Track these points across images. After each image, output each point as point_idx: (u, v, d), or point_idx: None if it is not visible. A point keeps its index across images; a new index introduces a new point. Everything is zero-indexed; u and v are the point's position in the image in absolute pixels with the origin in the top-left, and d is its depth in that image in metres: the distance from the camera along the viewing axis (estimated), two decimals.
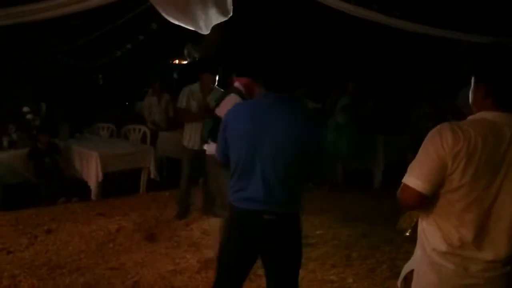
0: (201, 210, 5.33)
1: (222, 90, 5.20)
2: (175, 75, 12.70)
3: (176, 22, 4.17)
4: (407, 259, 2.11)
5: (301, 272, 3.98)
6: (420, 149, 1.82)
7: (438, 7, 6.90)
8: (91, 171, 6.21)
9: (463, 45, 6.09)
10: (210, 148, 3.84)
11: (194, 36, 5.76)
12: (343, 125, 6.90)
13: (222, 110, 3.50)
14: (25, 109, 6.65)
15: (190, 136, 5.36)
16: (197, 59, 8.79)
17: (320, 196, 6.58)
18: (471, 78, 1.88)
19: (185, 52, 9.02)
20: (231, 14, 4.30)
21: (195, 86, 5.43)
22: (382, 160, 7.29)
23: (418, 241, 1.94)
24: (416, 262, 1.96)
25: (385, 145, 7.36)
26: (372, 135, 7.41)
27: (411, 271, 2.00)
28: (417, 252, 1.96)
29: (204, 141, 4.15)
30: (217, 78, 5.30)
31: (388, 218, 5.29)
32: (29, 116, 6.66)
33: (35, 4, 4.92)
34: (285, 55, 2.52)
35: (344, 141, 6.90)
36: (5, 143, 6.25)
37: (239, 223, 2.50)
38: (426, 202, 1.83)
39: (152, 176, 6.68)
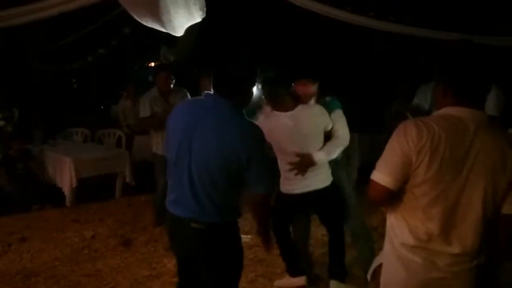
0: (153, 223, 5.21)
1: (184, 89, 5.18)
2: (150, 78, 12.60)
3: (149, 25, 4.14)
4: None
5: (280, 273, 4.04)
6: (387, 145, 1.85)
7: (414, 6, 6.99)
8: (65, 177, 6.12)
9: (444, 43, 6.19)
10: None
11: (168, 38, 5.74)
12: None
13: None
14: None
15: (158, 141, 5.03)
16: (172, 61, 8.76)
17: None
18: (431, 76, 1.90)
19: (161, 54, 8.98)
20: (204, 15, 4.28)
21: (154, 91, 5.11)
22: (358, 158, 7.35)
23: (387, 236, 1.97)
24: (385, 256, 1.99)
25: (361, 144, 7.43)
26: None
27: (380, 265, 2.02)
28: (386, 246, 1.98)
29: None
30: (172, 76, 5.09)
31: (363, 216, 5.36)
32: (1, 123, 6.55)
33: (7, 10, 4.85)
34: (233, 57, 2.46)
35: None
36: None
37: (170, 228, 2.46)
38: (393, 197, 1.86)
39: (127, 180, 6.62)
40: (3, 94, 7.97)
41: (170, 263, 4.28)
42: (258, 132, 2.26)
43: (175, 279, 3.78)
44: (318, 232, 5.16)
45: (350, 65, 8.97)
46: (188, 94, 5.14)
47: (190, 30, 4.46)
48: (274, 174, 2.47)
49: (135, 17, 4.09)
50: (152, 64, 12.54)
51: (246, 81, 2.33)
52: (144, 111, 5.08)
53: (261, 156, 2.26)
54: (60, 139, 7.47)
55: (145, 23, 4.13)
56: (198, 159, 2.21)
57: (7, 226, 5.32)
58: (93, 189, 6.42)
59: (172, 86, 5.11)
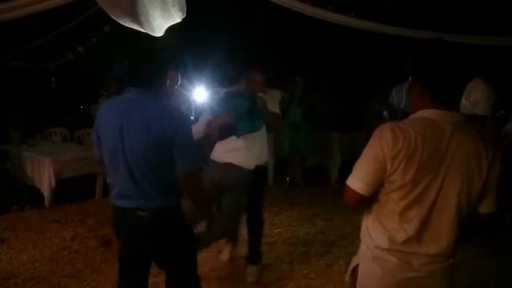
0: None
1: None
2: None
3: (127, 25, 4.10)
4: None
5: (259, 271, 4.06)
6: (363, 150, 1.87)
7: (395, 6, 7.07)
8: (44, 177, 6.03)
9: (415, 41, 6.25)
10: None
11: (150, 37, 5.71)
12: (299, 122, 6.98)
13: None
14: None
15: None
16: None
17: (278, 195, 6.65)
18: (408, 76, 1.92)
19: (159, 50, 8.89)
20: (184, 15, 4.27)
21: None
22: (339, 157, 7.43)
23: (363, 238, 1.99)
24: (361, 257, 2.01)
25: (341, 142, 7.50)
26: (328, 132, 7.54)
27: (357, 266, 2.04)
28: (362, 247, 2.01)
29: None
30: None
31: (345, 214, 5.42)
32: None
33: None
34: (143, 51, 2.56)
35: (300, 138, 6.99)
36: None
37: (115, 221, 2.52)
38: (366, 202, 1.90)
39: (107, 181, 6.52)
40: None
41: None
42: (178, 113, 2.42)
43: (157, 279, 3.80)
44: (302, 230, 5.22)
45: (332, 64, 9.04)
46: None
47: (171, 29, 4.45)
48: (198, 154, 2.51)
49: (113, 17, 4.06)
50: None
51: (155, 71, 2.44)
52: None
53: (185, 134, 2.37)
54: (39, 140, 7.36)
55: (123, 23, 4.10)
56: (132, 150, 2.32)
57: None
58: (73, 190, 6.34)
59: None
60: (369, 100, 7.43)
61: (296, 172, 7.30)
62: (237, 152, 3.68)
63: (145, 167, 2.34)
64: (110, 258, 4.40)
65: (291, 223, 5.46)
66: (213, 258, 4.36)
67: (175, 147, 2.32)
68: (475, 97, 4.02)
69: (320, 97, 7.72)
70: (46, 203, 6.04)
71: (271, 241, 4.86)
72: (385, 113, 4.60)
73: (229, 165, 3.66)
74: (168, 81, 2.50)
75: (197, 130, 3.64)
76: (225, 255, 4.35)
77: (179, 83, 4.43)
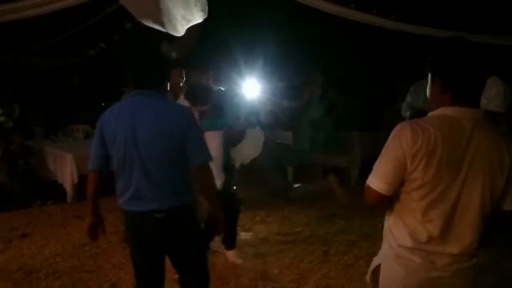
0: None
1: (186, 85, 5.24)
2: None
3: (150, 25, 4.14)
4: None
5: (279, 269, 4.05)
6: (383, 149, 1.85)
7: (414, 3, 6.98)
8: (66, 173, 6.12)
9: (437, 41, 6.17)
10: None
11: (170, 35, 5.74)
12: (319, 120, 6.94)
13: None
14: None
15: None
16: (174, 57, 8.73)
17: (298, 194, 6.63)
18: (427, 73, 1.89)
19: (162, 51, 8.94)
20: (206, 16, 4.28)
21: None
22: (359, 157, 7.36)
23: (385, 238, 1.97)
24: (383, 257, 1.99)
25: (361, 142, 7.43)
26: (348, 131, 7.48)
27: (379, 266, 2.02)
28: (384, 246, 1.99)
29: None
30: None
31: (365, 214, 5.37)
32: (1, 118, 6.55)
33: (7, 4, 4.84)
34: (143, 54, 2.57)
35: (320, 137, 6.95)
36: None
37: (131, 225, 2.54)
38: (387, 201, 1.89)
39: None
40: (4, 90, 7.97)
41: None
42: (187, 110, 2.50)
43: (176, 276, 3.81)
44: (322, 230, 5.19)
45: (352, 62, 8.96)
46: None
47: (192, 28, 4.46)
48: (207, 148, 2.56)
49: (136, 17, 4.09)
50: None
51: (159, 72, 2.50)
52: None
53: (195, 130, 2.43)
54: (61, 136, 7.47)
55: (145, 23, 4.13)
56: (148, 151, 2.36)
57: (8, 222, 5.33)
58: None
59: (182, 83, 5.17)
60: (390, 98, 7.37)
61: (316, 170, 7.25)
62: None
63: (161, 167, 2.38)
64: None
65: (310, 222, 5.44)
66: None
67: (189, 143, 2.38)
68: (490, 94, 3.96)
69: (340, 95, 7.66)
70: (68, 198, 6.12)
71: (290, 239, 4.84)
72: (407, 113, 4.54)
73: None
74: (172, 79, 2.55)
75: None
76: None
77: (183, 80, 4.53)
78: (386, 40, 7.61)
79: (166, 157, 2.37)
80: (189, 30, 4.50)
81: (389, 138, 1.82)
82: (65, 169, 6.14)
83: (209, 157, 2.47)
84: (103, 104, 10.74)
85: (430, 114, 1.85)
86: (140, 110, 2.39)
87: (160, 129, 2.35)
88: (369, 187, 1.86)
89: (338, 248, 4.62)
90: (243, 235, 4.77)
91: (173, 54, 8.62)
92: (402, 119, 5.05)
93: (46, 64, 8.88)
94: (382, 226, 2.01)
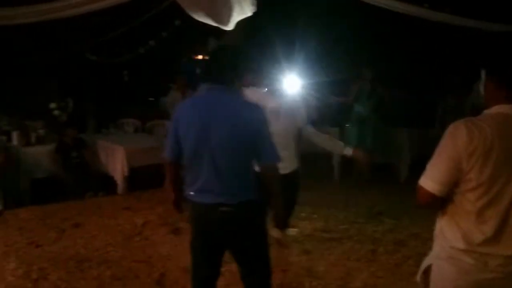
0: None
1: None
2: (198, 71, 12.75)
3: (200, 19, 4.18)
4: None
5: (325, 266, 4.02)
6: (436, 148, 1.81)
7: None
8: (117, 165, 6.29)
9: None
10: None
11: (217, 31, 5.80)
12: (367, 117, 6.83)
13: None
14: (52, 105, 6.78)
15: None
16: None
17: (344, 191, 6.54)
18: (482, 71, 1.84)
19: (209, 47, 9.03)
20: (256, 9, 4.29)
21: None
22: (408, 154, 7.19)
23: (436, 239, 1.94)
24: (435, 257, 1.96)
25: (411, 139, 7.25)
26: (397, 128, 7.32)
27: (430, 266, 1.99)
28: (436, 248, 1.96)
29: None
30: None
31: (414, 213, 5.25)
32: (56, 112, 6.78)
33: (62, 1, 5.01)
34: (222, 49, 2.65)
35: (368, 134, 6.84)
36: (33, 138, 6.40)
37: (196, 217, 2.56)
38: (439, 202, 1.85)
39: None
40: (59, 85, 8.25)
41: None
42: (261, 109, 2.50)
43: (222, 269, 3.85)
44: (369, 228, 5.11)
45: (403, 58, 8.77)
46: None
47: (239, 23, 4.49)
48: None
49: (187, 11, 4.15)
50: (200, 57, 12.69)
51: (238, 68, 2.53)
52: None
53: (265, 128, 2.46)
54: (113, 129, 7.67)
55: (196, 18, 4.18)
56: (220, 146, 2.38)
57: (62, 212, 5.52)
58: (144, 178, 6.57)
59: None
60: (442, 95, 7.16)
61: (363, 168, 7.14)
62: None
63: (231, 162, 2.41)
64: (179, 245, 4.51)
65: (357, 220, 5.36)
66: None
67: (260, 140, 2.42)
68: None
69: (390, 91, 7.51)
70: (119, 190, 6.30)
71: (336, 237, 4.79)
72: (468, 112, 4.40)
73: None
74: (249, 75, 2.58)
75: None
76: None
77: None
78: (439, 35, 7.41)
79: (237, 154, 2.41)
80: (237, 26, 4.53)
81: (443, 138, 1.79)
82: (116, 162, 6.31)
83: (278, 158, 2.50)
84: (151, 99, 11.01)
85: (485, 112, 1.81)
86: (216, 105, 2.44)
87: (235, 126, 2.39)
88: (421, 188, 1.83)
89: (386, 247, 4.54)
90: (289, 231, 4.76)
91: None
92: (453, 116, 4.91)
93: (96, 60, 9.13)
94: (434, 227, 1.97)
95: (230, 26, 4.32)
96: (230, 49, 2.63)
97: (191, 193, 2.51)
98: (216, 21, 4.10)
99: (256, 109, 2.48)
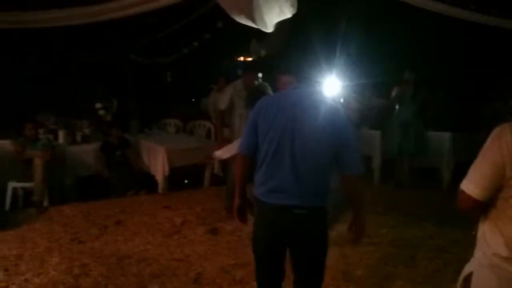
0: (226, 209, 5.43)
1: (266, 84, 5.35)
2: (239, 72, 12.84)
3: (241, 21, 4.21)
4: None
5: (362, 271, 3.97)
6: (480, 152, 1.77)
7: None
8: (158, 165, 6.41)
9: None
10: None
11: (259, 32, 5.84)
12: (410, 121, 6.70)
13: None
14: (98, 105, 6.99)
15: (238, 131, 5.38)
16: (262, 55, 8.83)
17: (384, 195, 6.45)
18: None
19: (251, 48, 9.08)
20: (295, 11, 4.29)
21: (239, 85, 5.50)
22: (451, 159, 7.00)
23: (478, 244, 1.89)
24: (476, 264, 1.91)
25: (454, 143, 7.06)
26: (440, 132, 7.15)
27: (471, 273, 1.93)
28: (477, 254, 1.90)
29: None
30: (259, 74, 5.42)
31: (456, 219, 5.08)
32: (101, 112, 6.99)
33: (106, 4, 5.16)
34: (317, 51, 2.59)
35: (411, 138, 6.70)
36: (78, 137, 6.62)
37: (267, 217, 2.49)
38: (481, 207, 1.80)
39: (215, 171, 6.81)
40: (104, 86, 8.49)
41: None
42: (347, 116, 2.46)
43: None
44: (409, 233, 5.02)
45: (448, 61, 8.56)
46: (270, 88, 5.27)
47: (281, 25, 4.50)
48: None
49: (228, 12, 4.19)
50: (242, 58, 12.77)
51: (321, 68, 2.51)
52: (222, 103, 5.58)
53: (353, 138, 2.43)
54: (155, 129, 7.83)
55: (237, 19, 4.22)
56: (303, 146, 2.34)
57: (104, 209, 5.67)
58: (184, 178, 6.67)
59: (256, 82, 5.55)
60: (488, 98, 6.95)
61: (404, 172, 7.01)
62: None
63: (311, 164, 2.36)
64: (216, 245, 4.57)
65: (396, 225, 5.26)
66: None
67: (347, 149, 2.38)
68: None
69: (433, 94, 7.34)
70: (160, 189, 6.41)
71: (375, 241, 4.72)
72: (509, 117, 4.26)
73: None
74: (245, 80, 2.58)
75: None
76: None
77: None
78: (486, 37, 7.19)
79: (319, 157, 2.37)
80: (278, 27, 4.54)
81: (488, 141, 1.75)
82: (157, 161, 6.43)
83: (363, 171, 2.46)
84: (193, 100, 11.17)
85: None
86: (303, 104, 2.40)
87: (322, 128, 2.34)
88: (463, 192, 1.79)
89: (426, 253, 4.44)
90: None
91: (262, 52, 8.73)
92: (499, 121, 4.75)
93: (142, 61, 9.34)
94: (475, 233, 1.91)
95: (269, 28, 4.33)
96: (310, 48, 2.63)
97: (262, 192, 2.46)
98: (256, 23, 4.12)
99: (344, 114, 2.44)
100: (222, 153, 5.16)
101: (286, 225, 2.42)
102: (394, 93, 6.85)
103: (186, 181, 6.89)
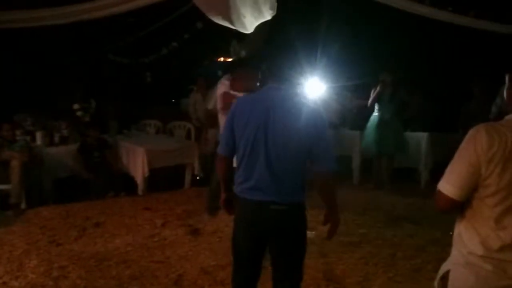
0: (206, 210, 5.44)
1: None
2: (219, 73, 12.82)
3: (219, 22, 4.22)
4: None
5: (342, 270, 4.00)
6: (456, 152, 1.80)
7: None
8: (138, 166, 6.36)
9: None
10: None
11: (239, 33, 5.84)
12: (388, 122, 6.77)
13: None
14: (76, 106, 6.91)
15: None
16: (242, 56, 8.83)
17: (364, 195, 6.51)
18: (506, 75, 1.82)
19: (231, 49, 9.07)
20: (274, 13, 4.31)
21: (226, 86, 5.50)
22: (430, 159, 7.10)
23: (454, 244, 1.92)
24: (453, 263, 1.93)
25: (432, 143, 7.17)
26: (418, 133, 7.25)
27: (448, 271, 1.96)
28: (454, 252, 1.94)
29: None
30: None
31: (435, 219, 5.18)
32: (79, 113, 6.91)
33: (86, 3, 5.11)
34: (291, 51, 2.64)
35: (389, 138, 6.77)
36: (56, 138, 6.52)
37: (245, 214, 2.53)
38: (458, 207, 1.84)
39: (195, 172, 6.79)
40: (81, 86, 8.38)
41: None
42: (323, 113, 2.50)
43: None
44: (388, 232, 5.07)
45: (424, 62, 8.67)
46: None
47: (261, 26, 4.51)
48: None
49: (207, 14, 4.19)
50: (222, 59, 12.75)
51: (293, 67, 2.54)
52: (209, 103, 5.71)
53: (326, 135, 2.48)
54: (134, 130, 7.77)
55: (215, 20, 4.22)
56: (276, 145, 2.39)
57: (83, 211, 5.60)
58: (163, 179, 6.63)
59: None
60: (465, 99, 7.06)
61: (383, 172, 7.09)
62: None
63: (285, 162, 2.41)
64: (197, 246, 4.56)
65: (376, 225, 5.32)
66: None
67: (320, 146, 2.42)
68: None
69: (411, 94, 7.43)
70: (139, 191, 6.37)
71: (355, 241, 4.76)
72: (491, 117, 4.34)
73: None
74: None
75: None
76: None
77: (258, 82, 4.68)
78: (462, 39, 7.31)
79: (293, 155, 2.41)
80: (258, 28, 4.55)
81: (463, 142, 1.78)
82: (137, 163, 6.38)
83: (335, 167, 2.49)
84: (173, 100, 11.11)
85: (507, 117, 1.79)
86: (276, 104, 2.44)
87: (294, 127, 2.38)
88: (440, 192, 1.83)
89: (405, 252, 4.50)
90: (307, 234, 4.74)
91: (242, 53, 8.72)
92: (480, 121, 4.82)
93: (121, 61, 9.25)
94: (452, 232, 1.95)
95: (249, 30, 4.34)
96: (289, 49, 2.65)
97: (242, 190, 2.50)
98: (234, 25, 4.13)
99: (318, 112, 2.47)
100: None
101: (265, 221, 2.47)
102: (372, 94, 6.91)
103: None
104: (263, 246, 2.58)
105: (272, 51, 2.64)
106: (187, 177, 6.83)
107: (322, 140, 2.42)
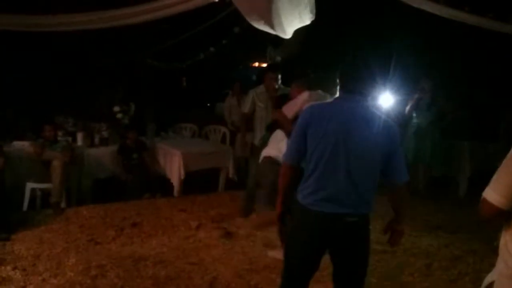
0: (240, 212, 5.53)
1: (288, 88, 5.33)
2: (254, 77, 12.89)
3: (260, 27, 4.24)
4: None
5: (377, 279, 3.96)
6: (504, 161, 1.76)
7: None
8: (174, 169, 6.45)
9: None
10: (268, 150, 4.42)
11: (274, 38, 5.87)
12: (426, 130, 6.66)
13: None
14: (116, 108, 7.07)
15: (259, 135, 5.63)
16: (278, 61, 8.86)
17: None
18: None
19: (267, 54, 9.12)
20: (313, 18, 4.30)
21: (260, 88, 5.73)
22: (468, 168, 6.95)
23: (500, 254, 1.87)
24: (498, 274, 1.89)
25: (471, 152, 7.01)
26: (457, 141, 7.10)
27: (492, 283, 1.93)
28: (499, 264, 1.89)
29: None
30: (279, 76, 5.61)
31: (472, 229, 5.08)
32: (119, 115, 7.06)
33: (126, 8, 5.23)
34: (366, 60, 2.57)
35: (427, 146, 6.67)
36: (96, 140, 6.69)
37: (316, 225, 2.47)
38: (503, 216, 1.79)
39: (230, 175, 6.84)
40: (121, 89, 8.56)
41: (269, 258, 4.36)
42: (394, 124, 2.53)
43: (273, 275, 3.87)
44: (424, 242, 4.99)
45: (466, 70, 8.48)
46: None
47: (297, 31, 4.52)
48: None
49: (247, 18, 4.21)
50: (256, 64, 12.81)
51: (372, 78, 2.53)
52: (245, 106, 5.86)
53: (399, 145, 2.53)
54: (171, 133, 7.88)
55: (255, 25, 4.24)
56: (357, 157, 2.40)
57: (121, 211, 5.71)
58: (199, 182, 6.71)
59: (277, 86, 5.64)
60: (506, 107, 6.88)
61: (419, 180, 6.97)
62: None
63: (364, 174, 2.43)
64: (231, 249, 4.59)
65: (411, 233, 5.21)
66: None
67: (396, 158, 2.48)
68: None
69: (450, 102, 7.29)
70: (175, 193, 6.45)
71: (390, 250, 4.68)
72: None
73: None
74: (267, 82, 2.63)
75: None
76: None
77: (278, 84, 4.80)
78: (506, 47, 7.13)
79: (371, 166, 2.44)
80: (294, 33, 4.56)
81: (511, 150, 1.74)
82: (173, 165, 6.47)
83: (408, 178, 2.56)
84: (208, 104, 11.23)
85: None
86: (355, 115, 2.46)
87: (373, 140, 2.41)
88: (485, 200, 1.78)
89: (442, 262, 4.42)
90: None
91: (278, 58, 8.75)
92: None
93: (158, 66, 9.40)
94: (497, 244, 1.91)
95: (287, 35, 4.35)
96: (368, 60, 2.57)
97: (312, 201, 2.45)
98: (275, 29, 4.14)
99: (391, 124, 2.50)
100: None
101: (337, 233, 2.46)
102: (410, 101, 6.81)
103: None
104: (321, 257, 2.57)
105: (345, 63, 2.60)
106: (222, 181, 6.89)
107: (397, 152, 2.48)
